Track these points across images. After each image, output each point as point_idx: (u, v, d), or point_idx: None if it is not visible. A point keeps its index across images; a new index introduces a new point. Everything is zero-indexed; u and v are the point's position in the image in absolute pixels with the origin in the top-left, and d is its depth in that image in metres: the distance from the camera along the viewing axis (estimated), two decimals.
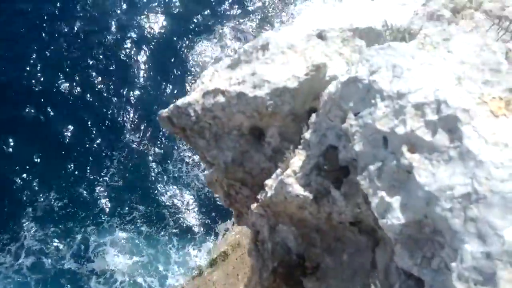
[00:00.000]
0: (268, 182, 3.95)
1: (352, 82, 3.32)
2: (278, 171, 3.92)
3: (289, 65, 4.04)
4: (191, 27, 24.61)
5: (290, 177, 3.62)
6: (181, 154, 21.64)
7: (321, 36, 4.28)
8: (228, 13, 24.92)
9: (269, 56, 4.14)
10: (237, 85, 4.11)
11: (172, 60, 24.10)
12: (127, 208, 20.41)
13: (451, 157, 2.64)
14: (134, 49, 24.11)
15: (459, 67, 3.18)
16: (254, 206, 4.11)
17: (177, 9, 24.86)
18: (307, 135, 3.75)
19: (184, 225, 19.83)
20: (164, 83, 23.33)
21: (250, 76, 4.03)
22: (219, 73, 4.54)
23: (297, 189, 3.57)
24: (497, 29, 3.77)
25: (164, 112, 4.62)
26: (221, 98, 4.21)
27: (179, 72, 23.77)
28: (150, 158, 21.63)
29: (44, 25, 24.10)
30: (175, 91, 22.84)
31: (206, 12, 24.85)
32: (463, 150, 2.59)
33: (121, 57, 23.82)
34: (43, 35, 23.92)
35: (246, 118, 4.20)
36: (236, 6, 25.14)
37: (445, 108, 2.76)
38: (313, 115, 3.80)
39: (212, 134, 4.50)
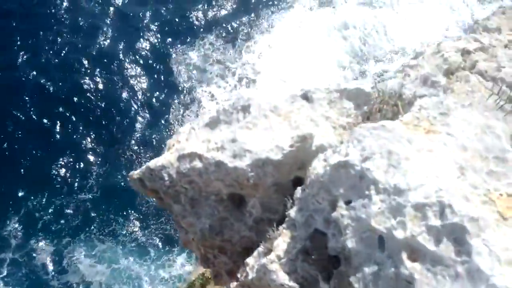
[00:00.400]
0: (249, 261, 3.60)
1: (343, 167, 3.00)
2: (260, 249, 3.58)
3: (272, 132, 3.71)
4: (171, 37, 24.71)
5: (274, 263, 3.29)
6: None
7: (306, 97, 3.97)
8: (208, 23, 25.00)
9: (251, 120, 3.81)
10: (215, 151, 3.76)
11: (152, 69, 24.18)
12: (104, 219, 20.50)
13: (458, 274, 2.34)
14: (118, 56, 24.05)
15: (461, 155, 2.89)
16: (233, 285, 3.76)
17: (159, 19, 24.86)
18: (292, 213, 3.42)
19: (162, 236, 19.92)
20: (143, 92, 23.32)
21: (230, 143, 3.68)
22: (196, 132, 4.19)
23: (282, 277, 3.24)
24: (496, 100, 3.51)
25: (136, 173, 4.24)
26: (198, 163, 3.86)
27: (157, 81, 23.85)
28: (129, 168, 21.59)
29: (30, 35, 23.80)
30: (155, 100, 22.81)
31: (186, 22, 24.95)
32: (472, 267, 2.29)
33: (103, 66, 23.71)
34: (30, 44, 23.64)
35: (225, 186, 3.85)
36: (216, 17, 25.25)
37: (449, 213, 2.47)
38: (299, 190, 3.48)
39: (188, 198, 4.14)
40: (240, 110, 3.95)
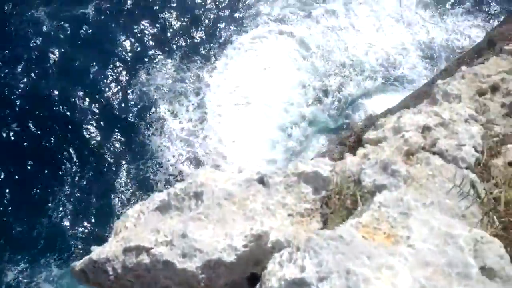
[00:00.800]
0: None
1: (298, 285, 2.77)
2: None
3: (226, 224, 3.46)
4: (136, 58, 24.92)
5: None
6: (125, 191, 21.53)
7: (262, 181, 3.75)
8: (171, 43, 25.20)
9: (203, 210, 3.55)
10: (164, 245, 3.47)
11: (117, 89, 24.43)
12: (63, 244, 20.18)
13: None
14: (82, 78, 24.03)
15: (422, 272, 2.71)
16: None
17: (123, 40, 24.85)
18: None
19: None
20: (106, 112, 23.43)
21: (180, 239, 3.40)
22: (145, 217, 3.89)
23: None
24: (458, 191, 3.38)
25: (78, 265, 3.89)
26: (145, 258, 3.55)
27: (122, 101, 24.26)
28: (91, 191, 21.42)
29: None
30: (119, 120, 22.86)
31: (150, 43, 25.17)
32: None
33: (67, 86, 23.60)
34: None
35: (174, 284, 3.56)
36: (179, 37, 25.45)
37: None
38: None
39: None
40: (193, 197, 3.69)
